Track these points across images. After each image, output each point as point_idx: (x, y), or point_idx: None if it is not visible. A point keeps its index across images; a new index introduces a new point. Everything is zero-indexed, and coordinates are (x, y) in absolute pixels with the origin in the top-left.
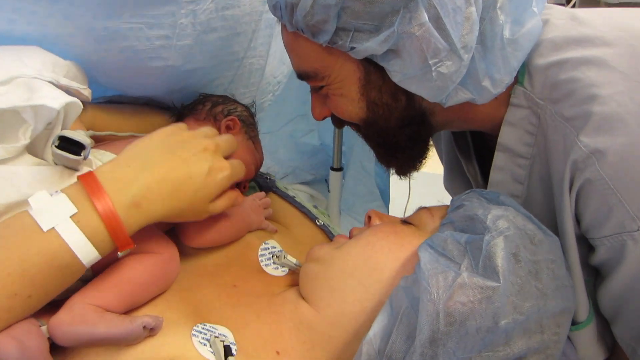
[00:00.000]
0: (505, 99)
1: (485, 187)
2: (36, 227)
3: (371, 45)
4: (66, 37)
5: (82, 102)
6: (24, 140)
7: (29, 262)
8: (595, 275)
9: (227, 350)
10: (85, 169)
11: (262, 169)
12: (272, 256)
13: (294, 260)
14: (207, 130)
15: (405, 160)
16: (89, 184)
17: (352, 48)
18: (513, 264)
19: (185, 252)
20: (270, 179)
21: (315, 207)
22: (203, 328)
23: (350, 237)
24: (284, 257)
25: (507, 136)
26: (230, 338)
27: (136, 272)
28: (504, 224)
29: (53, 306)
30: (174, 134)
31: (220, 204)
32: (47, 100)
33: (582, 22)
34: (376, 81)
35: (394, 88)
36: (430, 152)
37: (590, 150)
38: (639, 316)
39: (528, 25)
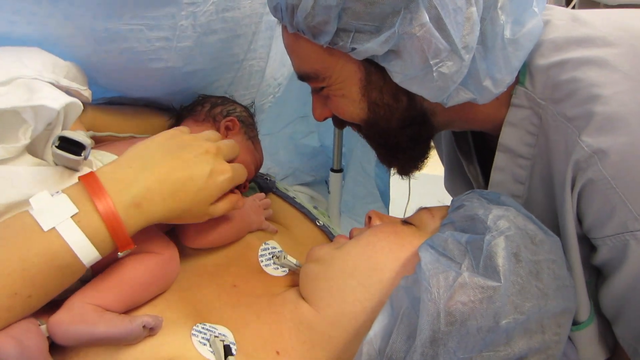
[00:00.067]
0: (506, 99)
1: (486, 188)
2: (37, 227)
3: (372, 46)
4: (66, 38)
5: (82, 103)
6: (24, 140)
7: (30, 261)
8: (596, 276)
9: (227, 350)
10: (85, 170)
11: (262, 170)
12: (272, 256)
13: (294, 261)
14: (210, 133)
15: (406, 160)
16: (90, 184)
17: (353, 49)
18: (514, 264)
19: (185, 253)
20: (270, 179)
21: (315, 207)
22: (203, 328)
23: (351, 237)
24: (284, 258)
25: (508, 136)
26: (230, 338)
27: (136, 272)
28: (504, 224)
29: (52, 306)
30: (175, 136)
31: (220, 207)
32: (47, 101)
33: (583, 22)
34: (377, 82)
35: (395, 88)
36: (431, 153)
37: (592, 150)
38: None
39: (529, 25)
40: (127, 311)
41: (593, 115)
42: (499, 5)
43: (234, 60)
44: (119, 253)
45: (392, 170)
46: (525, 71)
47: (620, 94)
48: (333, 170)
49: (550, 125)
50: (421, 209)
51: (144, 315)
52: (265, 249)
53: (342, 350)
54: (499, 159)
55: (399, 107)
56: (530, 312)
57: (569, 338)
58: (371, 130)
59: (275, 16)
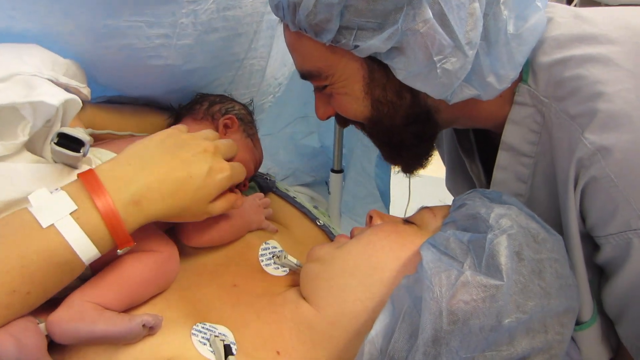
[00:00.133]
0: (509, 97)
1: (488, 187)
2: (36, 224)
3: (375, 43)
4: (66, 34)
5: (81, 100)
6: (23, 137)
7: (28, 258)
8: (599, 275)
9: (227, 350)
10: (84, 167)
11: (262, 171)
12: (273, 256)
13: (294, 261)
14: (208, 132)
15: (411, 158)
16: (89, 181)
17: (356, 46)
18: (516, 263)
19: (185, 252)
20: (270, 179)
21: (315, 207)
22: (203, 327)
23: (352, 237)
24: (285, 257)
25: (510, 135)
26: (230, 337)
27: (136, 270)
28: (507, 223)
29: (51, 304)
30: (173, 135)
31: (219, 206)
32: (46, 97)
33: (586, 20)
34: (380, 79)
35: (398, 86)
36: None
37: (595, 147)
38: None
39: (532, 20)
40: (127, 310)
41: (596, 113)
42: (502, 0)
43: (235, 59)
44: (118, 251)
45: (393, 170)
46: (528, 69)
47: (624, 92)
48: (333, 171)
49: (553, 123)
50: (423, 208)
51: (144, 314)
52: (265, 249)
53: (343, 350)
54: (502, 157)
55: (402, 105)
56: (533, 312)
57: (572, 338)
58: (375, 128)
59: (276, 15)
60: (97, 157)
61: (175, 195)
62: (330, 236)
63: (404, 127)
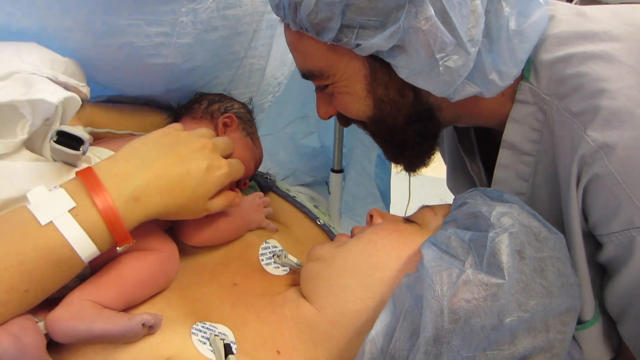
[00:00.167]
0: (511, 94)
1: (489, 186)
2: (34, 222)
3: (377, 42)
4: (65, 31)
5: (80, 99)
6: (22, 135)
7: (27, 256)
8: (601, 275)
9: (227, 349)
10: (83, 166)
11: (261, 171)
12: (273, 255)
13: (294, 260)
14: (204, 130)
15: (413, 156)
16: (88, 179)
17: (358, 45)
18: (518, 261)
19: (185, 251)
20: (270, 178)
21: (316, 207)
22: (203, 326)
23: (352, 236)
24: (285, 257)
25: (512, 133)
26: (230, 337)
27: (135, 269)
28: (508, 221)
29: (50, 304)
30: (170, 133)
31: (218, 203)
32: (45, 95)
33: (587, 17)
34: (382, 78)
35: (400, 84)
36: None
37: (598, 144)
38: None
39: (534, 16)
40: (126, 309)
41: (599, 110)
42: None
43: (234, 58)
44: (117, 248)
45: (393, 170)
46: (529, 67)
47: (627, 89)
48: (333, 171)
49: (555, 120)
50: (423, 207)
51: (144, 313)
52: (266, 248)
53: (344, 349)
54: (503, 155)
55: (405, 103)
56: (535, 310)
57: (574, 338)
58: (377, 127)
59: (277, 14)
60: (97, 156)
61: (174, 192)
62: (330, 235)
63: (406, 126)
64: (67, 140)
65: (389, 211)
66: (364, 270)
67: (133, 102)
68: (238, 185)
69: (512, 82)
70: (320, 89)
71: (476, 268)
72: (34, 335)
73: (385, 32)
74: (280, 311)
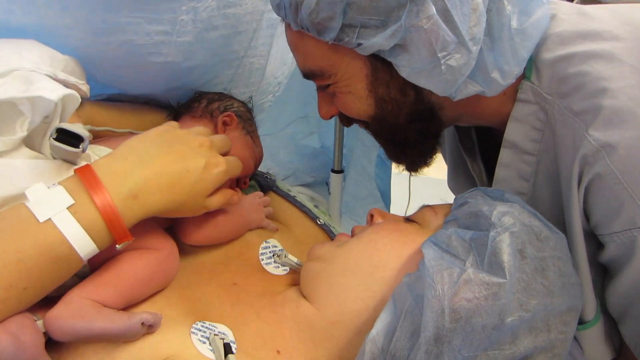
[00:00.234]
0: (512, 94)
1: (490, 186)
2: (33, 219)
3: (378, 41)
4: (64, 29)
5: (80, 97)
6: (21, 132)
7: (25, 253)
8: (602, 275)
9: (227, 348)
10: (83, 164)
11: (262, 170)
12: (273, 255)
13: (294, 260)
14: (200, 128)
15: (415, 156)
16: (86, 176)
17: (359, 44)
18: (519, 260)
19: (185, 250)
20: (270, 178)
21: (316, 206)
22: (202, 326)
23: (353, 235)
24: (285, 256)
25: (513, 132)
26: (230, 336)
27: (135, 267)
28: (509, 220)
29: (49, 302)
30: (168, 131)
31: (216, 200)
32: (44, 92)
33: (589, 16)
34: (384, 77)
35: (402, 83)
36: None
37: (600, 144)
38: None
39: (536, 14)
40: (126, 308)
41: (601, 109)
42: None
43: (234, 57)
44: (117, 246)
45: (396, 170)
46: (531, 66)
47: (629, 88)
48: (334, 171)
49: (556, 120)
50: (424, 207)
51: (143, 312)
52: (266, 248)
53: (344, 349)
54: (504, 155)
55: (406, 102)
56: (536, 310)
57: (574, 338)
58: (379, 127)
59: (278, 14)
60: (96, 154)
61: (173, 189)
62: (330, 235)
63: (408, 125)
64: (67, 137)
65: (389, 211)
66: (365, 270)
67: (133, 101)
68: (238, 184)
69: (514, 81)
70: (321, 89)
71: (477, 267)
72: (33, 334)
73: (387, 31)
74: (280, 311)
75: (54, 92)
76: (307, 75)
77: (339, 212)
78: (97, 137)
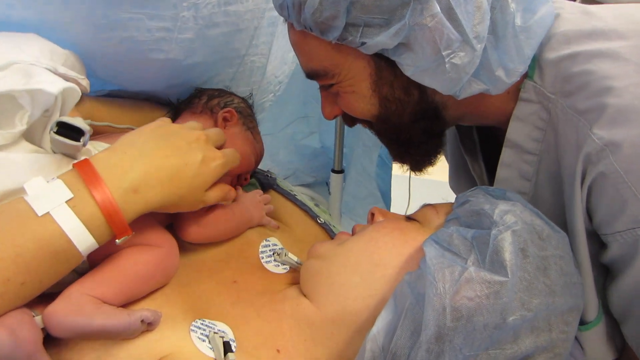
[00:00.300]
0: (515, 93)
1: (492, 186)
2: (31, 213)
3: (382, 40)
4: (65, 24)
5: (80, 91)
6: (21, 126)
7: (24, 247)
8: (604, 274)
9: (227, 347)
10: (82, 158)
11: (262, 169)
12: (273, 253)
13: (295, 258)
14: (193, 123)
15: (420, 155)
16: (85, 170)
17: (363, 43)
18: (521, 259)
19: (185, 248)
20: (271, 176)
21: (316, 205)
22: (202, 324)
23: (353, 234)
24: (285, 255)
25: (515, 132)
26: (229, 334)
27: (135, 264)
28: (511, 219)
29: (47, 298)
30: (162, 125)
31: (214, 194)
32: (44, 85)
33: (594, 15)
34: (388, 76)
35: (406, 82)
36: None
37: (604, 142)
38: None
39: (540, 12)
40: (125, 305)
41: (605, 108)
42: None
43: (235, 55)
44: (116, 240)
45: (394, 173)
46: (534, 65)
47: (633, 87)
48: (334, 171)
49: (559, 119)
50: (425, 206)
51: (143, 310)
52: (266, 246)
53: (344, 347)
54: (506, 154)
55: (410, 101)
56: (538, 309)
57: (576, 338)
58: (383, 126)
59: (281, 14)
60: (97, 150)
61: (172, 183)
62: (330, 234)
63: (412, 124)
64: (67, 131)
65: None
66: (365, 268)
67: (133, 97)
68: (239, 180)
69: (518, 79)
70: (324, 89)
71: (479, 266)
72: (31, 329)
73: (391, 30)
74: (280, 309)
75: (54, 85)
76: (310, 75)
77: (339, 212)
78: (98, 133)
